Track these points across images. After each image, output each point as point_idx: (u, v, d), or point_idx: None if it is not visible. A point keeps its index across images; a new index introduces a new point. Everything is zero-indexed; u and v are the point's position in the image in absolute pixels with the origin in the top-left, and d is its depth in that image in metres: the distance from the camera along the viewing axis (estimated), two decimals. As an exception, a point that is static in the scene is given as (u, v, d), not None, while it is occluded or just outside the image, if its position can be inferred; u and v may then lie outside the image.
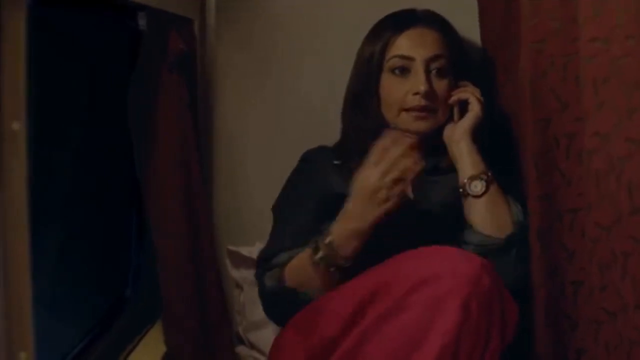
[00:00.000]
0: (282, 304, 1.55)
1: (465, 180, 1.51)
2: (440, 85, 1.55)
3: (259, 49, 1.92)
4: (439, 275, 1.26)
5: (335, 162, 1.62)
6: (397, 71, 1.55)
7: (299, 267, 1.49)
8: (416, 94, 1.52)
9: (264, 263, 1.61)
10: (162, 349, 1.73)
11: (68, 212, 1.57)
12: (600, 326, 1.25)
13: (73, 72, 1.56)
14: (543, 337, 1.39)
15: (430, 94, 1.53)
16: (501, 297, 1.29)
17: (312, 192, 1.61)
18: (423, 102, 1.53)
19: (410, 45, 1.55)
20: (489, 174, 1.51)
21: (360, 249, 1.40)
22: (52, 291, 1.39)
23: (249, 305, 1.81)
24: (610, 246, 1.20)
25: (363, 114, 1.61)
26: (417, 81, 1.52)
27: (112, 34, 1.72)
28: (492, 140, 1.58)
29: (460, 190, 1.52)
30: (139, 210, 1.79)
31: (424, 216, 1.55)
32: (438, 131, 1.58)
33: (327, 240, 1.41)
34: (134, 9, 1.65)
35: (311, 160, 1.67)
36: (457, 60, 1.57)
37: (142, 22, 1.67)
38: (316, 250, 1.43)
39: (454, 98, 1.56)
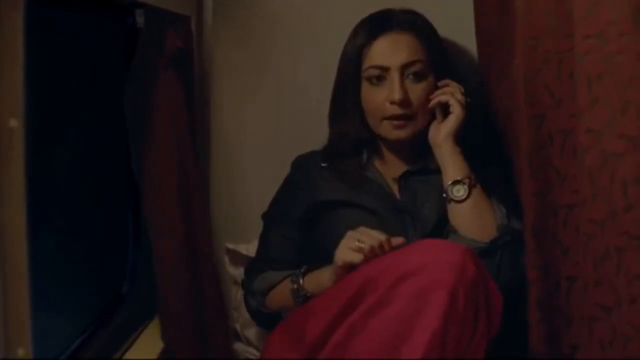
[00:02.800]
0: (267, 320, 1.68)
1: (448, 185, 1.52)
2: (418, 89, 1.54)
3: (256, 47, 1.92)
4: (423, 266, 1.27)
5: (323, 164, 1.64)
6: (373, 80, 1.55)
7: (279, 297, 1.62)
8: (393, 102, 1.53)
9: (249, 276, 1.72)
10: (159, 345, 1.74)
11: (65, 210, 1.57)
12: (594, 322, 1.25)
13: (70, 70, 1.56)
14: (537, 333, 1.39)
15: (406, 102, 1.53)
16: (486, 284, 1.30)
17: (298, 202, 1.65)
18: (400, 111, 1.53)
19: (383, 54, 1.54)
20: (472, 177, 1.51)
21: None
22: (50, 288, 1.39)
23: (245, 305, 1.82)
24: (605, 242, 1.21)
25: (345, 122, 1.63)
26: (392, 90, 1.52)
27: (109, 32, 1.73)
28: (486, 137, 1.59)
29: (444, 195, 1.52)
30: (136, 207, 1.79)
31: (413, 216, 1.56)
32: (427, 131, 1.59)
33: (298, 286, 1.55)
34: (131, 7, 1.65)
35: (300, 167, 1.70)
36: (437, 62, 1.57)
37: (139, 19, 1.67)
38: (292, 283, 1.57)
39: (433, 102, 1.55)
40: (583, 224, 1.26)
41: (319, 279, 1.52)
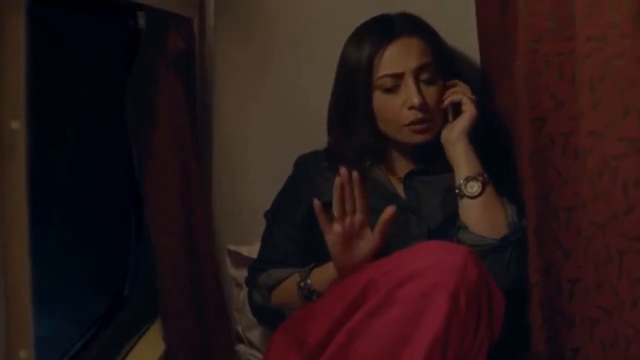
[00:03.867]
0: (269, 316, 1.66)
1: (462, 181, 1.52)
2: (431, 92, 1.55)
3: (258, 48, 1.92)
4: (424, 268, 1.28)
5: (325, 164, 1.64)
6: (388, 87, 1.54)
7: (285, 293, 1.61)
8: (411, 107, 1.53)
9: (253, 274, 1.71)
10: (161, 346, 1.73)
11: (67, 211, 1.57)
12: (596, 324, 1.25)
13: (72, 71, 1.56)
14: (539, 335, 1.39)
15: (424, 105, 1.53)
16: (487, 285, 1.30)
17: (301, 202, 1.64)
18: (420, 115, 1.53)
19: (396, 61, 1.53)
20: (485, 175, 1.52)
21: None
22: (52, 290, 1.39)
23: (248, 304, 1.82)
24: (606, 244, 1.21)
25: (352, 130, 1.61)
26: (410, 95, 1.52)
27: (112, 34, 1.73)
28: (487, 139, 1.59)
29: (457, 191, 1.53)
30: (138, 208, 1.79)
31: (418, 215, 1.56)
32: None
33: (306, 282, 1.54)
34: (133, 8, 1.65)
35: (302, 167, 1.70)
36: (443, 63, 1.57)
37: (141, 21, 1.67)
38: (300, 277, 1.56)
39: (446, 102, 1.56)
40: (584, 227, 1.26)
41: (325, 273, 1.52)
